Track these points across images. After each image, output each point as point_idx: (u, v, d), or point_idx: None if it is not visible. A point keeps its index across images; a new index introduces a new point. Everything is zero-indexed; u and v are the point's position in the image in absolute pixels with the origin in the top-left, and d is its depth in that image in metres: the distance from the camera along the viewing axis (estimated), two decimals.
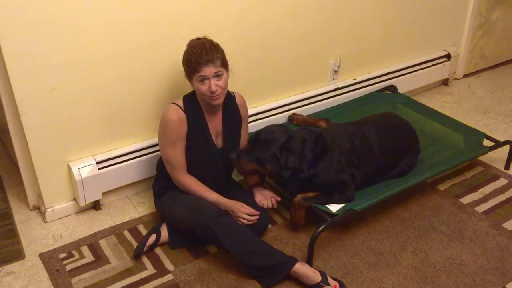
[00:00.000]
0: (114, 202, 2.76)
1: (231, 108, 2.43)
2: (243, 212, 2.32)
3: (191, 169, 2.39)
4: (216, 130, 2.41)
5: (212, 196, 2.36)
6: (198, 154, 2.37)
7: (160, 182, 2.50)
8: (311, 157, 2.39)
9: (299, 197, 2.42)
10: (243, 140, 2.53)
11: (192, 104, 2.33)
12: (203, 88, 2.22)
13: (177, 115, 2.28)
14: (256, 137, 2.41)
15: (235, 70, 2.37)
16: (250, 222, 2.33)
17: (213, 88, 2.21)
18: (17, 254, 2.41)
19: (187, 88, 2.37)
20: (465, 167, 3.01)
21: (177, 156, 2.33)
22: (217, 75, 2.22)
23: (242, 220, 2.32)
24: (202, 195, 2.36)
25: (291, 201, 2.47)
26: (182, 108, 2.30)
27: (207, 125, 2.36)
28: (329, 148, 2.44)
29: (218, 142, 2.42)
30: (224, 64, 2.25)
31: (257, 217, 2.35)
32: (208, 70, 2.19)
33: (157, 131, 2.40)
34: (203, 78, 2.21)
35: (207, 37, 2.30)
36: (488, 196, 2.80)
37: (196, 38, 2.30)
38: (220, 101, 2.28)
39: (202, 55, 2.19)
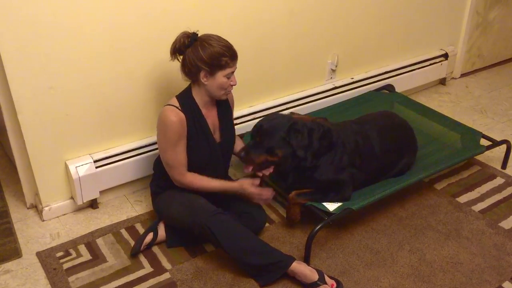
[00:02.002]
0: (111, 200, 2.76)
1: (223, 100, 2.41)
2: (255, 185, 2.36)
3: (192, 169, 2.36)
4: (214, 124, 2.40)
5: (216, 184, 2.35)
6: (200, 153, 2.35)
7: (157, 181, 2.49)
8: (317, 147, 2.38)
9: (293, 193, 2.43)
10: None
11: (188, 103, 2.30)
12: (227, 82, 2.25)
13: (177, 116, 2.24)
14: (259, 128, 2.37)
15: None
16: (267, 197, 2.38)
17: (236, 81, 2.27)
18: (14, 253, 2.40)
19: (184, 85, 2.36)
20: (462, 166, 3.01)
21: (178, 158, 2.29)
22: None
23: (257, 197, 2.37)
24: (206, 187, 2.34)
25: (287, 198, 2.47)
26: (179, 108, 2.27)
27: (205, 121, 2.34)
28: (335, 144, 2.45)
29: (216, 136, 2.41)
30: None
31: (272, 191, 2.41)
32: (236, 64, 2.25)
33: (154, 129, 2.38)
34: (232, 73, 2.24)
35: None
36: (485, 195, 2.80)
37: (193, 33, 2.22)
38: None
39: (231, 49, 2.21)
